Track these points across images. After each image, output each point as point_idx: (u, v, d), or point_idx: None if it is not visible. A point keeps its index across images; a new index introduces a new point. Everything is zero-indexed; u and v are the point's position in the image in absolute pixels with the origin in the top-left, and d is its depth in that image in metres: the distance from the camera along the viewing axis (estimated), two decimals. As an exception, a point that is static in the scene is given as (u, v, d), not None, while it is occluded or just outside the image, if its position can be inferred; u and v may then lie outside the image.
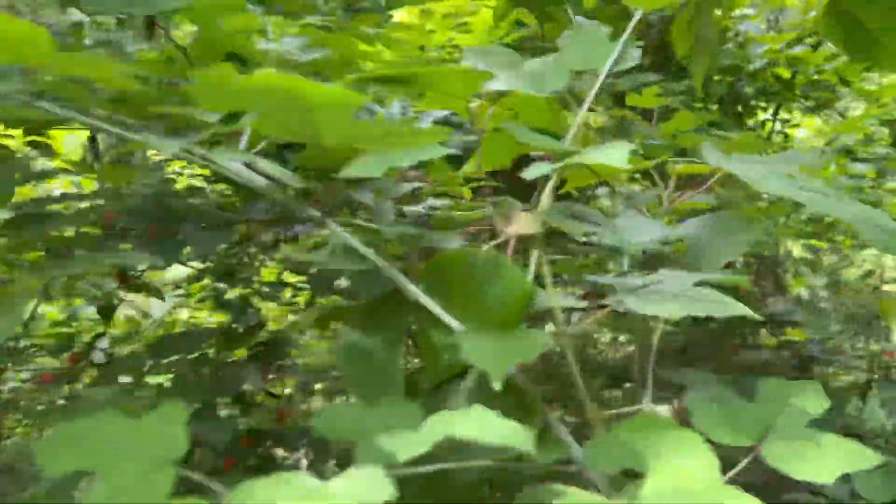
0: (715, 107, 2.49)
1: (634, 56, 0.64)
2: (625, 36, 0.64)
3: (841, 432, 0.57)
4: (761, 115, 2.93)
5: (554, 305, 0.56)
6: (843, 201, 0.69)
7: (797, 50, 2.42)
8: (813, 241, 3.67)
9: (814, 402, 0.59)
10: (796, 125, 2.97)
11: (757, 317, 0.53)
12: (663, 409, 0.54)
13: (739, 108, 2.53)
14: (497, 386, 0.44)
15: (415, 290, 0.56)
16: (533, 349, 0.49)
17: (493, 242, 0.57)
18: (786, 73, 2.64)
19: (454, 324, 0.56)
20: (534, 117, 0.62)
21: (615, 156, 0.48)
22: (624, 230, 0.72)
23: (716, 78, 2.39)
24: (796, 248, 4.07)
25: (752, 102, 2.63)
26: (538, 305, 0.58)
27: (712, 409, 0.60)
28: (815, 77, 2.49)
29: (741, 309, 0.53)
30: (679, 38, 1.47)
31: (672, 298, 0.56)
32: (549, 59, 0.63)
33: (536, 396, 0.55)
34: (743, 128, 2.47)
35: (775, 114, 2.83)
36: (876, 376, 0.95)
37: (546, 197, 0.58)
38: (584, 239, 0.75)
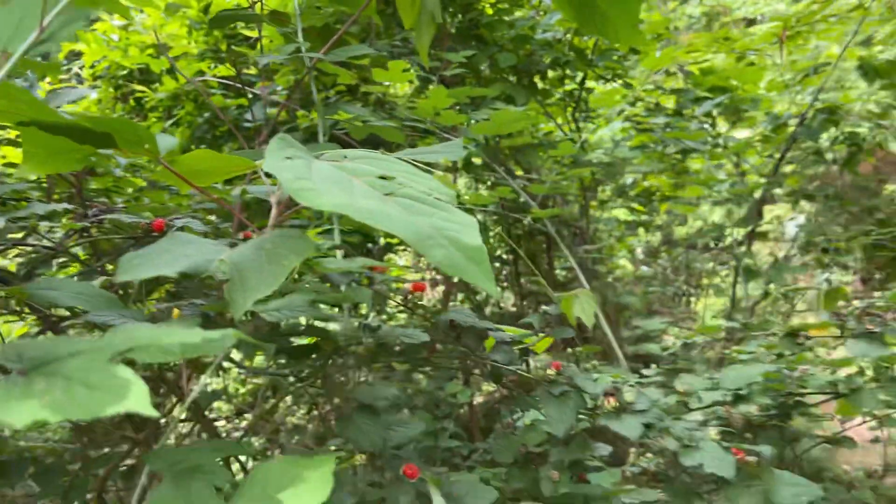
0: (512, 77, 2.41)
1: (77, 27, 0.47)
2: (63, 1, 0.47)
3: None
4: (569, 85, 2.90)
5: None
6: (437, 213, 0.57)
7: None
8: (636, 207, 3.75)
9: (313, 494, 0.47)
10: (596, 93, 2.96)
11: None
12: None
13: (537, 79, 2.46)
14: None
15: None
16: None
17: None
18: (590, 43, 2.61)
19: None
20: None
21: None
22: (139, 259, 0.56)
23: (508, 48, 2.29)
24: (621, 213, 4.16)
25: (552, 72, 2.58)
26: None
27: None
28: (610, 46, 2.45)
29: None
30: (404, 9, 1.33)
31: None
32: None
33: None
34: (538, 98, 2.41)
35: (582, 83, 2.80)
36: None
37: None
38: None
